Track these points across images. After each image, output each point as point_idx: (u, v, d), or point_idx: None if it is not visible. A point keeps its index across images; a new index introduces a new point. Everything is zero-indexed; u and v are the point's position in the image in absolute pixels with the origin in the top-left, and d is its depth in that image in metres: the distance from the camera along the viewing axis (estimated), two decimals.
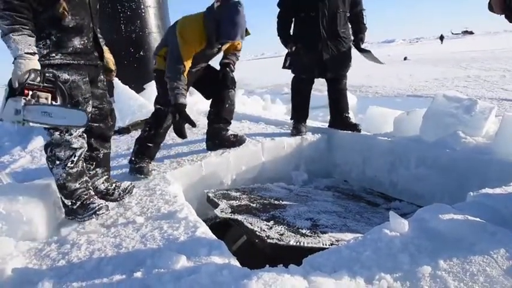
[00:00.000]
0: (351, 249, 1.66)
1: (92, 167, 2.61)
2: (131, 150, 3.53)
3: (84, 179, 2.37)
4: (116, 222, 2.29)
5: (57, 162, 2.25)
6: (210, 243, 1.88)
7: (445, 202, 2.31)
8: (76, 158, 2.28)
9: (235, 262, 1.73)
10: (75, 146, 2.26)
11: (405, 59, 22.08)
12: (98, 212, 2.31)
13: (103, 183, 2.66)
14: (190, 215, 2.24)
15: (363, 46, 4.11)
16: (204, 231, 2.03)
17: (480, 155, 2.72)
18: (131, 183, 2.77)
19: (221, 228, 3.12)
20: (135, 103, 5.59)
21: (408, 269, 1.51)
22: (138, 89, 6.04)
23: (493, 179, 2.58)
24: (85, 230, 2.23)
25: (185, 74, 3.02)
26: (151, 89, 6.09)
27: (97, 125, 2.53)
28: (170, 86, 2.98)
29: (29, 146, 4.53)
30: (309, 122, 4.30)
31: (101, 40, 2.45)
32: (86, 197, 2.35)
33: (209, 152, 3.52)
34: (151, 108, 5.46)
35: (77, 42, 2.18)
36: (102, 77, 2.52)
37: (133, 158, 3.23)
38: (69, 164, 2.26)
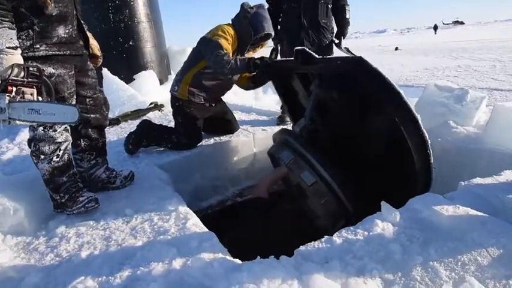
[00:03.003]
0: (343, 239, 1.65)
1: (92, 157, 2.59)
2: (122, 141, 3.51)
3: (71, 172, 2.33)
4: (105, 215, 2.26)
5: (42, 156, 2.19)
6: (201, 235, 1.86)
7: (436, 191, 2.31)
8: (61, 151, 2.23)
9: (226, 254, 1.72)
10: (59, 140, 2.20)
11: (396, 49, 22.08)
12: (87, 205, 2.28)
13: (104, 172, 2.63)
14: (181, 207, 2.21)
15: (343, 42, 4.18)
16: (194, 222, 2.01)
17: (471, 145, 2.73)
18: (131, 171, 2.75)
19: (213, 219, 3.11)
20: (124, 94, 5.52)
21: (400, 259, 1.50)
22: (128, 79, 5.97)
23: (484, 168, 2.59)
24: (74, 223, 2.20)
25: (230, 55, 3.09)
26: (141, 79, 6.06)
27: (94, 116, 2.48)
28: (225, 68, 3.06)
29: (17, 138, 4.45)
30: None
31: (84, 27, 2.36)
32: (74, 190, 2.31)
33: (200, 143, 3.48)
34: (141, 99, 5.48)
35: (61, 31, 2.11)
36: (90, 65, 2.45)
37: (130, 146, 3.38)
38: (54, 158, 2.21)
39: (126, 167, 3.05)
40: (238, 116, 4.55)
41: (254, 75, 3.35)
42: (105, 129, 2.66)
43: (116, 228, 2.08)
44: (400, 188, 2.40)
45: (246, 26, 3.16)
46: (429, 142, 2.07)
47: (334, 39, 4.13)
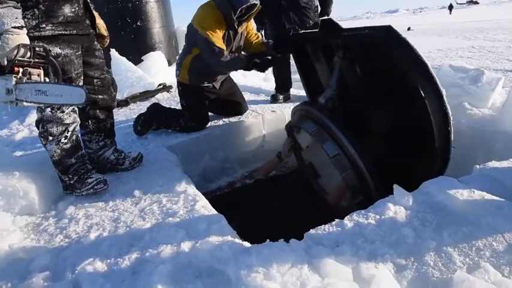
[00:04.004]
0: (354, 222, 1.62)
1: (100, 138, 2.58)
2: (130, 123, 3.50)
3: (80, 154, 2.32)
4: (114, 196, 2.25)
5: (50, 138, 2.18)
6: (210, 218, 1.85)
7: (450, 174, 2.26)
8: (69, 133, 2.21)
9: (235, 237, 1.70)
10: (67, 121, 2.18)
11: (409, 29, 21.60)
12: (95, 187, 2.27)
13: (113, 153, 2.63)
14: (190, 189, 2.20)
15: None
16: (203, 204, 2.00)
17: (486, 127, 2.66)
18: (139, 153, 2.74)
19: (221, 201, 3.10)
20: (133, 75, 5.47)
21: (412, 243, 1.47)
22: (136, 60, 5.91)
23: (499, 151, 2.54)
24: (83, 205, 2.19)
25: (225, 53, 3.03)
26: (149, 60, 6.00)
27: (102, 96, 2.46)
28: (222, 68, 3.09)
29: (27, 120, 4.46)
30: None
31: (90, 5, 2.31)
32: (83, 171, 2.31)
33: (209, 124, 3.45)
34: (150, 81, 5.43)
35: (67, 10, 2.06)
36: (97, 45, 2.41)
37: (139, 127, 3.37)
38: (62, 140, 2.20)
39: (135, 149, 3.05)
40: (247, 97, 4.50)
41: (272, 46, 3.25)
42: (114, 111, 2.64)
43: (125, 210, 2.07)
44: (418, 166, 2.38)
45: (224, 4, 2.98)
46: (452, 118, 2.03)
47: (318, 20, 3.96)
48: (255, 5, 3.03)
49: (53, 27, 2.02)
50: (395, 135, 2.48)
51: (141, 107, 4.70)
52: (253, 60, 3.04)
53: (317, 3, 4.03)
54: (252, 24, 3.32)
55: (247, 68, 3.05)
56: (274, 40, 3.06)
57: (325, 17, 2.46)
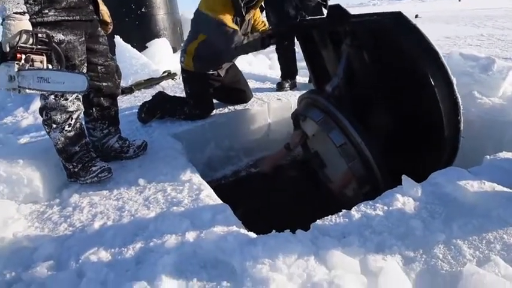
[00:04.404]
0: (362, 213, 1.60)
1: (105, 126, 2.55)
2: (135, 111, 3.47)
3: (84, 141, 2.30)
4: (118, 185, 2.24)
5: (54, 125, 2.16)
6: (215, 207, 1.83)
7: (459, 164, 2.22)
8: (73, 120, 2.19)
9: (240, 227, 1.68)
10: (71, 109, 2.16)
11: (416, 16, 21.24)
12: (100, 175, 2.25)
13: (117, 141, 2.61)
14: (194, 177, 2.18)
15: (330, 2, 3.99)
16: (208, 194, 1.98)
17: (496, 117, 2.61)
18: (144, 141, 2.72)
19: (226, 190, 3.08)
20: (137, 62, 5.42)
21: (421, 235, 1.44)
22: (141, 47, 5.86)
23: (510, 142, 2.49)
24: (87, 193, 2.18)
25: (239, 33, 2.94)
26: (154, 47, 5.95)
27: (106, 84, 2.43)
28: (238, 50, 2.97)
29: (31, 107, 4.45)
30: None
31: None
32: (87, 159, 2.29)
33: (214, 112, 3.42)
34: (154, 68, 5.39)
35: None
36: (101, 31, 2.37)
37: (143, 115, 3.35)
38: (66, 128, 2.17)
39: (139, 136, 3.03)
40: (252, 84, 4.46)
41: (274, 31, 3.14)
42: (118, 98, 2.61)
43: (129, 199, 2.05)
44: (426, 156, 2.35)
45: None
46: (462, 108, 1.98)
47: (319, 0, 3.92)
48: None
49: (56, 13, 1.98)
50: (403, 124, 2.44)
51: (146, 94, 4.67)
52: (267, 33, 2.96)
53: None
54: (259, 12, 3.25)
55: (264, 44, 2.97)
56: (276, 27, 2.98)
57: (333, 3, 2.39)
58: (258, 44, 2.97)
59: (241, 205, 2.72)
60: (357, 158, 2.41)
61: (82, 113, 2.29)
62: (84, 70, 2.18)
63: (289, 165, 3.32)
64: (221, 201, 1.93)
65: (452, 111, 2.04)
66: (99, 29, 2.34)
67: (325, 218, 1.60)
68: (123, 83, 5.09)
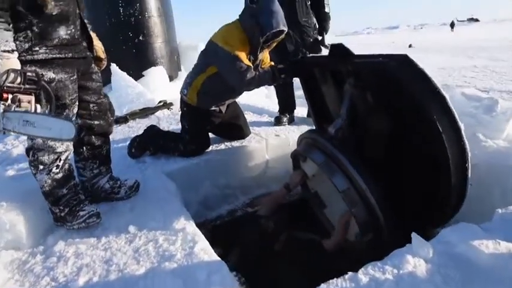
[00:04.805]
0: (370, 277, 1.47)
1: (95, 166, 2.43)
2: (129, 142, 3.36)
3: (72, 183, 2.17)
4: (107, 231, 2.10)
5: (41, 167, 2.04)
6: (210, 265, 1.69)
7: (464, 210, 2.13)
8: (62, 162, 2.07)
9: None
10: (59, 150, 2.04)
11: (410, 46, 21.65)
12: (88, 221, 2.12)
13: (108, 181, 2.48)
14: (189, 226, 2.05)
15: (327, 37, 4.01)
16: (203, 247, 1.84)
17: (502, 161, 2.52)
18: (136, 180, 2.59)
19: (221, 231, 2.95)
20: (133, 91, 5.37)
21: None
22: (137, 75, 5.83)
23: None
24: (73, 240, 2.04)
25: (252, 70, 2.85)
26: (150, 76, 5.90)
27: (98, 122, 2.32)
28: (249, 85, 2.88)
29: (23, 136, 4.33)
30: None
31: (88, 27, 2.19)
32: (75, 202, 2.16)
33: (210, 148, 3.31)
34: (150, 97, 5.31)
35: (62, 32, 1.94)
36: (95, 68, 2.28)
37: (133, 150, 3.24)
38: (54, 169, 2.05)
39: (132, 173, 2.91)
40: (249, 117, 4.37)
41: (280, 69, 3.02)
42: (113, 128, 2.51)
43: (118, 249, 1.92)
44: (432, 203, 2.24)
45: (253, 25, 2.81)
46: (469, 155, 1.91)
47: (317, 37, 3.94)
48: (282, 31, 2.88)
49: (47, 51, 1.89)
50: (408, 169, 2.35)
51: (140, 124, 4.57)
52: (278, 67, 2.89)
53: (315, 21, 3.97)
54: (267, 53, 3.19)
55: (275, 78, 2.88)
56: (287, 62, 2.91)
57: (336, 43, 2.33)
58: (270, 78, 2.89)
59: (237, 251, 2.60)
60: (360, 204, 2.30)
61: (71, 153, 2.17)
62: (75, 109, 2.08)
63: (288, 208, 3.19)
64: (217, 257, 1.79)
65: (460, 157, 1.96)
66: (93, 65, 2.25)
67: (330, 282, 1.48)
68: (118, 112, 5.01)
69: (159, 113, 5.09)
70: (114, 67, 5.51)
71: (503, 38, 21.61)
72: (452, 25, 31.42)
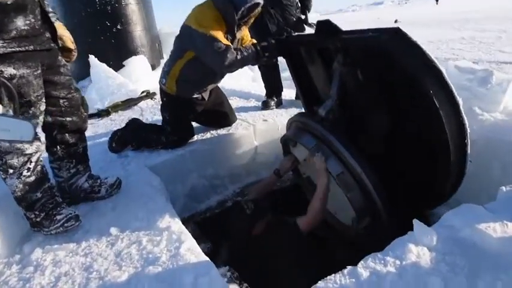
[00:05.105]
0: (370, 270, 1.36)
1: (72, 165, 2.27)
2: None
3: (47, 186, 2.01)
4: (87, 235, 1.96)
5: (10, 171, 1.86)
6: (197, 266, 1.56)
7: (464, 187, 2.07)
8: (33, 164, 1.90)
9: None
10: (29, 151, 1.87)
11: (396, 21, 21.44)
12: (66, 224, 1.97)
13: (86, 180, 2.32)
14: (174, 224, 1.91)
15: (310, 16, 3.88)
16: (189, 247, 1.71)
17: (501, 135, 2.41)
18: (117, 178, 2.44)
19: (212, 223, 2.83)
20: (114, 82, 5.17)
21: None
22: (117, 66, 5.62)
23: None
24: (51, 246, 1.90)
25: (232, 49, 2.65)
26: (131, 65, 5.70)
27: (70, 119, 2.15)
28: (231, 66, 2.67)
29: None
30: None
31: (51, 15, 1.99)
32: (51, 206, 2.01)
33: (195, 138, 3.16)
34: (132, 87, 5.12)
35: (20, 22, 1.75)
36: (62, 61, 2.10)
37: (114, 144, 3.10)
38: (24, 173, 1.89)
39: (114, 169, 2.77)
40: (235, 102, 4.23)
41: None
42: (93, 122, 2.34)
43: (99, 254, 1.78)
44: (431, 181, 2.15)
45: (225, 3, 2.63)
46: (468, 130, 1.82)
47: (300, 15, 3.78)
48: (258, 4, 2.69)
49: (4, 44, 1.70)
50: (404, 148, 2.24)
51: (123, 117, 4.40)
52: (261, 45, 2.71)
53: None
54: (247, 30, 3.00)
55: (258, 57, 2.70)
56: (270, 48, 2.74)
57: (323, 19, 2.17)
58: (253, 57, 2.71)
59: (227, 244, 2.48)
60: (356, 188, 2.19)
61: (43, 153, 2.01)
62: (43, 107, 1.91)
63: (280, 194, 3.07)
64: (205, 257, 1.66)
65: (458, 133, 1.86)
66: (60, 58, 2.06)
67: (328, 278, 1.36)
68: (100, 105, 4.82)
69: (142, 104, 4.91)
70: (92, 59, 5.29)
71: (487, 8, 21.48)
72: None
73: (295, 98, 4.08)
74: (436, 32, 14.20)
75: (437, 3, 29.99)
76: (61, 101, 2.07)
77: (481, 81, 2.74)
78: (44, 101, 1.92)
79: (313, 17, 3.93)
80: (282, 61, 3.87)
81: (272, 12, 3.53)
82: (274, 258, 2.13)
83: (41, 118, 1.91)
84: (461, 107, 1.80)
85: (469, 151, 1.92)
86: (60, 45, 2.08)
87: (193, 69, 2.81)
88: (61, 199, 2.12)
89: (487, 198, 2.39)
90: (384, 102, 2.22)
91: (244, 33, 2.96)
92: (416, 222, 1.49)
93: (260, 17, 3.36)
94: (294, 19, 3.71)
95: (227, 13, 2.64)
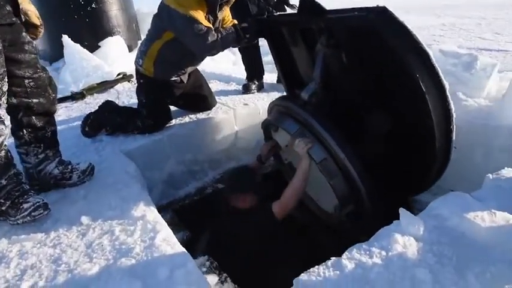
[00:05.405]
0: (355, 262, 1.29)
1: (40, 150, 2.13)
2: None
3: (12, 173, 1.88)
4: (57, 224, 1.84)
5: None
6: (173, 258, 1.47)
7: (448, 173, 2.06)
8: None
9: (205, 286, 1.34)
10: None
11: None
12: (33, 213, 1.85)
13: (56, 166, 2.18)
14: (149, 212, 1.81)
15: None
16: (165, 237, 1.62)
17: (485, 120, 2.38)
18: (90, 163, 2.31)
19: (189, 211, 2.75)
20: (89, 64, 4.95)
21: None
22: (92, 47, 5.38)
23: (501, 149, 2.28)
24: (18, 237, 1.78)
25: (213, 31, 2.54)
26: (107, 47, 5.48)
27: (37, 100, 2.00)
28: (212, 49, 2.57)
29: None
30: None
31: None
32: (17, 194, 1.88)
33: (173, 122, 3.04)
34: (108, 69, 4.93)
35: None
36: (26, 37, 1.94)
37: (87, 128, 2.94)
38: None
39: (87, 154, 2.64)
40: (215, 86, 4.10)
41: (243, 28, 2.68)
42: (67, 105, 2.20)
43: (69, 245, 1.67)
44: (416, 167, 2.13)
45: None
46: (454, 116, 1.80)
47: None
48: None
49: None
50: (389, 133, 2.18)
51: (98, 100, 4.21)
52: (242, 26, 2.60)
53: None
54: (228, 10, 2.87)
55: (239, 38, 2.59)
56: (250, 29, 2.62)
57: None
58: (233, 39, 2.59)
59: (207, 233, 2.40)
60: (340, 175, 2.12)
61: (7, 137, 1.86)
62: (5, 87, 1.76)
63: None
64: (181, 248, 1.57)
65: (444, 118, 1.83)
66: (24, 34, 1.90)
67: (311, 270, 1.29)
68: (74, 88, 4.62)
69: (118, 87, 4.72)
70: (66, 39, 5.05)
71: None
72: None
73: (277, 81, 3.99)
74: (417, 19, 14.21)
75: None
76: (26, 81, 1.93)
77: (466, 66, 2.69)
78: (6, 80, 1.77)
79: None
80: (263, 44, 3.77)
81: None
82: (252, 244, 2.08)
83: (4, 99, 1.76)
84: (447, 92, 1.76)
85: (454, 137, 1.88)
86: (24, 20, 1.92)
87: (172, 51, 2.67)
88: (28, 186, 1.99)
89: (470, 184, 2.37)
90: (368, 85, 2.15)
91: (226, 14, 2.82)
92: (402, 211, 1.43)
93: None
94: (275, 0, 3.60)
95: None
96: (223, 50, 2.67)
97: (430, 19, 13.71)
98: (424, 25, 12.24)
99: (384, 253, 1.31)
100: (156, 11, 2.71)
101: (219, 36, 2.53)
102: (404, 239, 1.35)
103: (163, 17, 2.60)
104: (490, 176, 1.70)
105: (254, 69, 3.87)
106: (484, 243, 1.30)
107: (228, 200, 2.33)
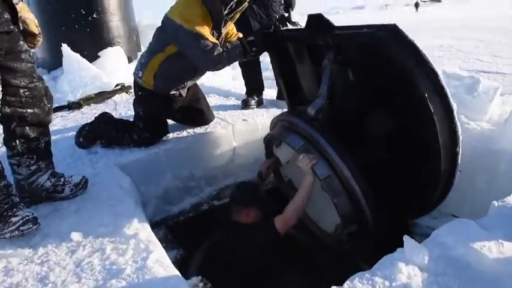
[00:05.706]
0: None
1: (32, 162, 2.07)
2: None
3: (3, 184, 1.82)
4: (45, 240, 1.78)
5: None
6: (166, 282, 1.41)
7: (451, 197, 2.01)
8: None
9: None
10: None
11: None
12: (21, 228, 1.78)
13: (49, 179, 2.12)
14: (142, 231, 1.75)
15: (293, 15, 3.83)
16: (158, 258, 1.55)
17: (487, 144, 2.34)
18: (83, 176, 2.25)
19: (183, 228, 2.68)
20: (87, 74, 4.92)
21: None
22: (92, 57, 5.35)
23: (505, 174, 2.23)
24: (4, 252, 1.71)
25: (219, 47, 2.52)
26: (106, 57, 5.46)
27: (31, 110, 1.95)
28: (218, 64, 2.54)
29: None
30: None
31: None
32: (6, 207, 1.81)
33: (170, 136, 2.99)
34: (106, 80, 4.90)
35: None
36: (24, 46, 1.90)
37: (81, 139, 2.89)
38: None
39: (81, 167, 2.58)
40: (214, 101, 4.06)
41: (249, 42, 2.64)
42: (64, 115, 2.14)
43: (57, 263, 1.60)
44: (420, 188, 2.08)
45: None
46: (460, 138, 1.78)
47: (283, 13, 3.67)
48: None
49: None
50: (393, 151, 2.14)
51: (96, 110, 4.17)
52: (248, 39, 2.56)
53: None
54: (233, 25, 2.84)
55: (246, 52, 2.55)
56: (257, 43, 2.59)
57: (314, 13, 2.05)
58: (240, 53, 2.56)
59: (202, 251, 2.34)
60: (344, 193, 2.07)
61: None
62: None
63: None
64: (175, 270, 1.51)
65: (451, 140, 1.81)
66: (21, 42, 1.86)
67: None
68: (71, 97, 4.58)
69: (116, 98, 4.68)
70: (65, 48, 5.02)
71: (465, 18, 21.87)
72: (416, 5, 31.54)
73: (277, 97, 3.95)
74: (416, 38, 14.26)
75: (417, 10, 30.46)
76: (21, 90, 1.88)
77: (468, 89, 2.67)
78: (1, 89, 1.72)
79: (300, 18, 3.82)
80: (263, 60, 3.74)
81: (255, 9, 3.39)
82: (252, 259, 2.02)
83: None
84: (455, 113, 1.73)
85: (459, 160, 1.85)
86: (22, 28, 1.88)
87: (174, 65, 2.63)
88: (18, 199, 1.92)
89: (471, 209, 2.34)
90: (375, 103, 2.11)
91: (230, 28, 2.80)
92: (406, 238, 1.38)
93: (242, 13, 3.22)
94: (277, 16, 3.58)
95: (214, 8, 2.49)
96: (229, 64, 2.64)
97: (429, 39, 13.81)
98: (422, 46, 12.26)
99: (387, 283, 1.25)
100: (157, 23, 2.68)
101: (225, 50, 2.50)
102: (408, 268, 1.30)
103: (167, 31, 2.57)
104: (496, 203, 1.65)
105: (254, 84, 3.84)
106: (491, 275, 1.25)
107: (230, 214, 2.29)
